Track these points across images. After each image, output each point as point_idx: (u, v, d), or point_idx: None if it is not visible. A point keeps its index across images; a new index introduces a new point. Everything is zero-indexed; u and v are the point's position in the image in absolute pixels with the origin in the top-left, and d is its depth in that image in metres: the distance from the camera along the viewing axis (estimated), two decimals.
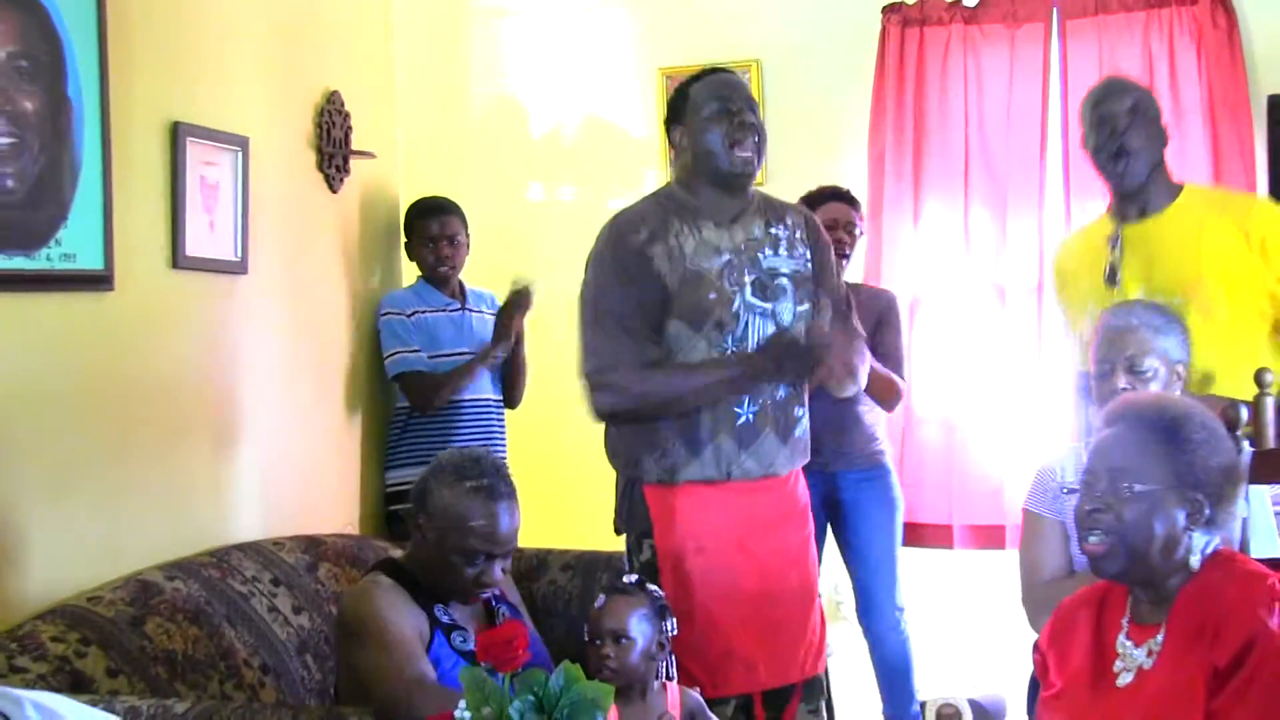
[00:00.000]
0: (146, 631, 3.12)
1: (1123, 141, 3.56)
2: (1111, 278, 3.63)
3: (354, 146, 4.49)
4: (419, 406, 4.51)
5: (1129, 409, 2.43)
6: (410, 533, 3.20)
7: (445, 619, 3.05)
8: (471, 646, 3.01)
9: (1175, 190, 3.66)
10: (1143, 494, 2.30)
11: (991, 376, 5.06)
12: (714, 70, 3.53)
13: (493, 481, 3.13)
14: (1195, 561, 2.30)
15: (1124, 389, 3.03)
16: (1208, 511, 2.31)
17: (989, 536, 5.13)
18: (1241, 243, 3.55)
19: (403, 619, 2.96)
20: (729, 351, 3.33)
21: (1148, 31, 4.90)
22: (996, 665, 4.96)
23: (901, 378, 4.54)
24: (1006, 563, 4.82)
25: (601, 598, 3.06)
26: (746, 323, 3.35)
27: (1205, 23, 4.84)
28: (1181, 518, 2.30)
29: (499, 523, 3.06)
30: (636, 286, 3.34)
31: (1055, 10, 5.03)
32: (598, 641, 3.02)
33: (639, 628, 3.04)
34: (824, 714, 3.74)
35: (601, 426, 3.55)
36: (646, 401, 3.35)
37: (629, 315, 3.34)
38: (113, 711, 1.91)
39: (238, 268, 3.93)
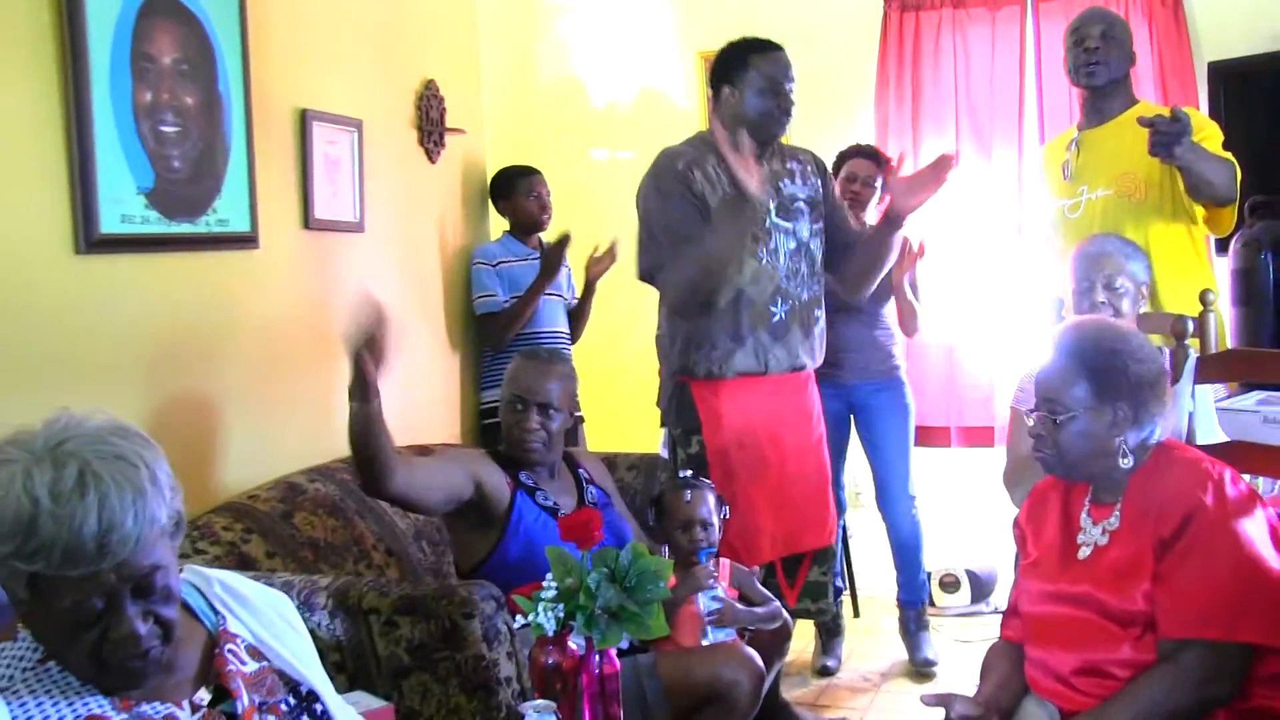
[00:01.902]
0: (295, 523, 3.21)
1: (1096, 56, 3.63)
2: (1064, 172, 3.72)
3: (448, 125, 4.50)
4: (489, 344, 4.57)
5: (1059, 339, 2.39)
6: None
7: (529, 482, 3.14)
8: (551, 503, 3.13)
9: (1131, 102, 3.69)
10: (1068, 419, 2.27)
11: (979, 303, 5.09)
12: (770, 44, 3.53)
13: (539, 352, 3.34)
14: (1126, 463, 2.27)
15: (1101, 303, 3.08)
16: (1132, 415, 2.27)
17: (980, 436, 5.18)
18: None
19: (477, 459, 3.13)
20: (763, 261, 3.41)
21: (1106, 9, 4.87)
22: (988, 543, 5.00)
23: (915, 295, 4.51)
24: (995, 458, 4.90)
25: (688, 492, 3.18)
26: (776, 238, 3.44)
27: (1155, 2, 4.83)
28: (1106, 427, 2.27)
29: (528, 372, 3.19)
30: (674, 199, 3.40)
31: None
32: (681, 528, 3.16)
33: (714, 514, 3.20)
34: (834, 576, 3.85)
35: (649, 350, 3.66)
36: (684, 288, 3.40)
37: (669, 224, 3.40)
38: (272, 585, 2.01)
39: (356, 227, 3.99)
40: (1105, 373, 2.28)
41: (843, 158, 4.51)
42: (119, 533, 1.48)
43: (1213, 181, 3.41)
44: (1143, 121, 3.34)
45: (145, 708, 1.58)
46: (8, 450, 1.52)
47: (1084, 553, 2.34)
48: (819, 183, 3.61)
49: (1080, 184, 3.68)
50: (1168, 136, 3.27)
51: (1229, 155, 3.54)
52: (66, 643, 1.53)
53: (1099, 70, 3.66)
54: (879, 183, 4.41)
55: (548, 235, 4.74)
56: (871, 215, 4.48)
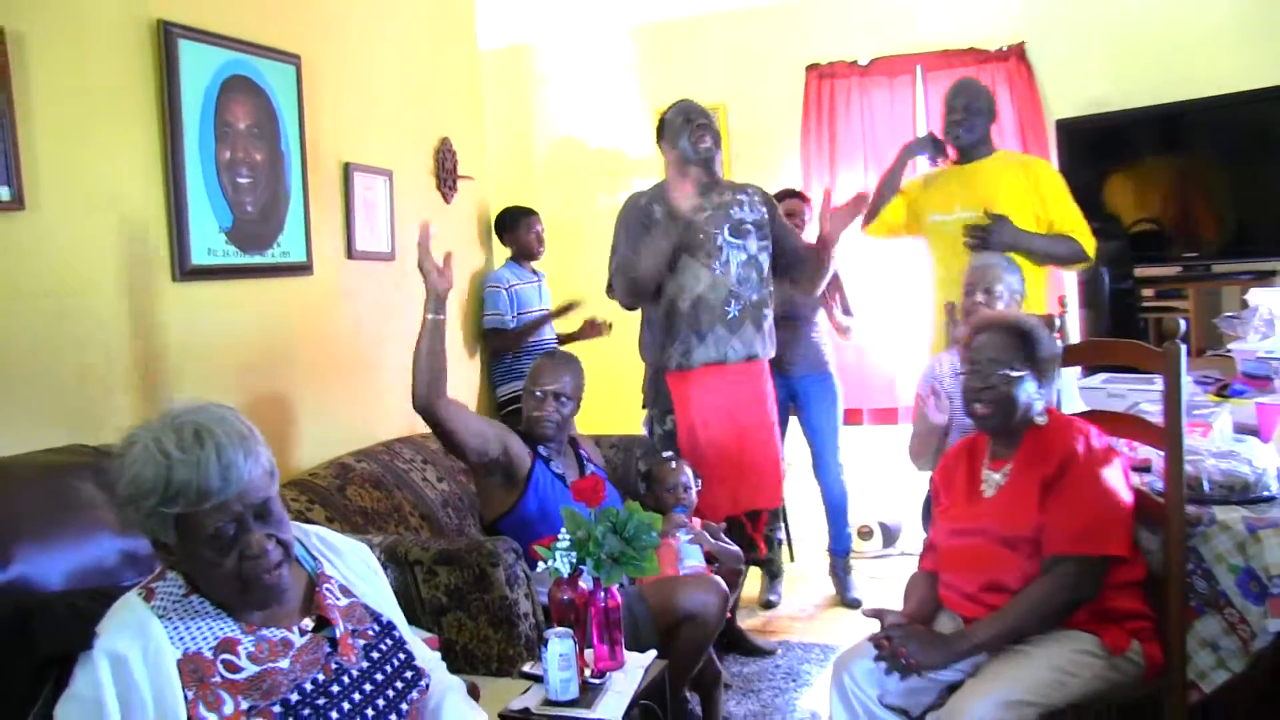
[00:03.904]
0: (347, 495, 3.22)
1: (961, 125, 3.79)
2: (925, 182, 3.95)
3: (459, 173, 4.50)
4: (494, 353, 4.57)
5: (995, 321, 2.50)
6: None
7: (545, 453, 3.16)
8: (560, 470, 3.16)
9: (991, 150, 3.85)
10: (1013, 377, 2.38)
11: (882, 310, 5.18)
12: (680, 100, 3.69)
13: (557, 353, 3.36)
14: (1041, 420, 2.41)
15: (980, 303, 3.18)
16: (1045, 383, 2.42)
17: (886, 416, 5.27)
18: (1030, 186, 3.74)
19: (507, 432, 3.10)
20: (717, 273, 3.50)
21: (978, 79, 4.97)
22: (894, 500, 5.12)
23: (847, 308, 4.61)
24: (898, 433, 5.00)
25: (674, 463, 3.32)
26: (728, 253, 3.52)
27: (1013, 71, 4.88)
28: (1034, 389, 2.40)
29: (548, 369, 3.21)
30: (633, 232, 3.55)
31: (919, 68, 5.09)
32: (668, 491, 3.29)
33: (692, 481, 3.29)
34: (783, 532, 3.94)
35: (630, 355, 3.70)
36: (641, 276, 3.50)
37: (625, 250, 3.56)
38: None
39: (389, 257, 3.98)
40: (1033, 346, 2.41)
41: (778, 199, 4.58)
42: (235, 468, 1.57)
43: (1049, 254, 3.72)
44: (967, 232, 3.71)
45: (265, 631, 1.64)
46: (134, 434, 1.60)
47: (988, 491, 2.46)
48: (765, 211, 3.67)
49: (956, 204, 3.79)
50: (979, 238, 3.66)
51: (1074, 218, 3.75)
52: (214, 571, 1.59)
53: (964, 135, 3.82)
54: (807, 213, 4.57)
55: (539, 265, 4.78)
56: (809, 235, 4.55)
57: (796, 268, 3.72)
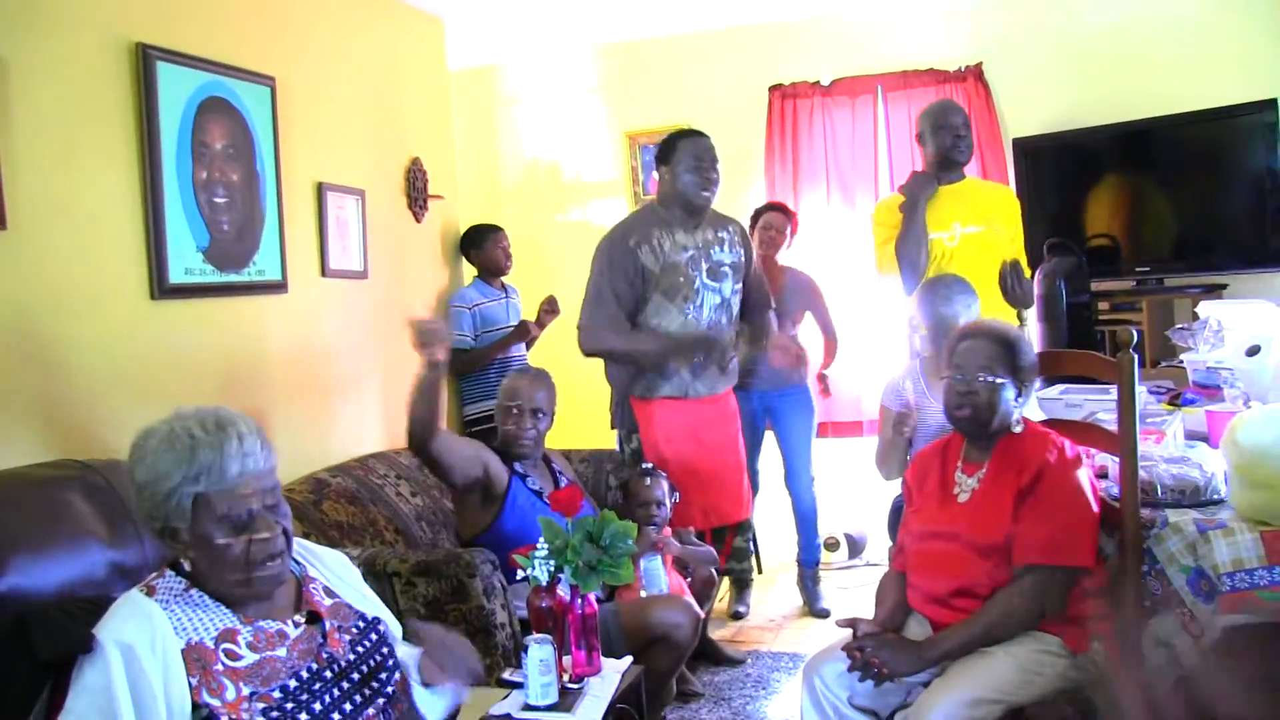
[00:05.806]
0: (323, 510, 3.27)
1: (964, 139, 3.73)
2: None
3: (430, 192, 4.56)
4: (455, 373, 4.52)
5: (981, 329, 2.55)
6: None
7: (520, 470, 3.19)
8: (538, 486, 3.19)
9: (963, 175, 3.84)
10: (996, 384, 2.43)
11: (846, 327, 5.24)
12: (696, 132, 3.64)
13: (529, 369, 3.40)
14: (1019, 429, 2.47)
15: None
16: (1023, 392, 2.47)
17: (851, 429, 5.32)
18: (995, 206, 3.76)
19: (485, 450, 3.14)
20: (690, 316, 3.49)
21: (937, 99, 5.06)
22: (859, 512, 5.16)
23: (834, 333, 4.60)
24: (863, 446, 5.07)
25: (648, 479, 3.31)
26: (703, 296, 3.52)
27: (972, 91, 4.97)
28: (1013, 397, 2.46)
29: (523, 385, 3.25)
30: (624, 274, 3.48)
31: (879, 88, 5.16)
32: (640, 506, 3.28)
33: (666, 496, 3.31)
34: (751, 544, 3.97)
35: (597, 371, 3.72)
36: (610, 352, 3.53)
37: (614, 294, 3.48)
38: None
39: (361, 275, 4.04)
40: (1017, 355, 2.47)
41: (759, 212, 4.63)
42: (253, 456, 1.68)
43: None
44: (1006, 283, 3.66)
45: (263, 623, 1.72)
46: (150, 429, 1.70)
47: (962, 497, 2.51)
48: (742, 251, 3.68)
49: (955, 222, 3.74)
50: (1021, 292, 3.63)
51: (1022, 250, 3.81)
52: (223, 555, 1.67)
53: (967, 150, 3.78)
54: (788, 229, 4.55)
55: (509, 279, 4.83)
56: (783, 256, 4.58)
57: (747, 312, 3.78)
